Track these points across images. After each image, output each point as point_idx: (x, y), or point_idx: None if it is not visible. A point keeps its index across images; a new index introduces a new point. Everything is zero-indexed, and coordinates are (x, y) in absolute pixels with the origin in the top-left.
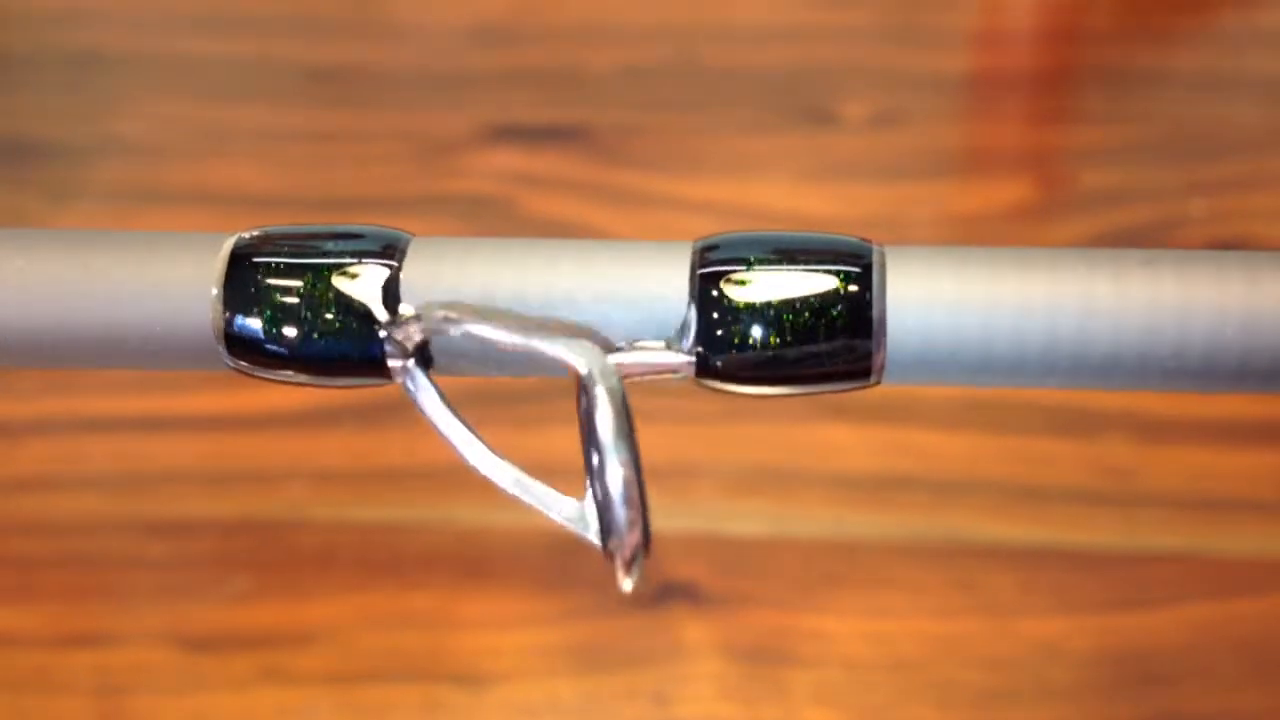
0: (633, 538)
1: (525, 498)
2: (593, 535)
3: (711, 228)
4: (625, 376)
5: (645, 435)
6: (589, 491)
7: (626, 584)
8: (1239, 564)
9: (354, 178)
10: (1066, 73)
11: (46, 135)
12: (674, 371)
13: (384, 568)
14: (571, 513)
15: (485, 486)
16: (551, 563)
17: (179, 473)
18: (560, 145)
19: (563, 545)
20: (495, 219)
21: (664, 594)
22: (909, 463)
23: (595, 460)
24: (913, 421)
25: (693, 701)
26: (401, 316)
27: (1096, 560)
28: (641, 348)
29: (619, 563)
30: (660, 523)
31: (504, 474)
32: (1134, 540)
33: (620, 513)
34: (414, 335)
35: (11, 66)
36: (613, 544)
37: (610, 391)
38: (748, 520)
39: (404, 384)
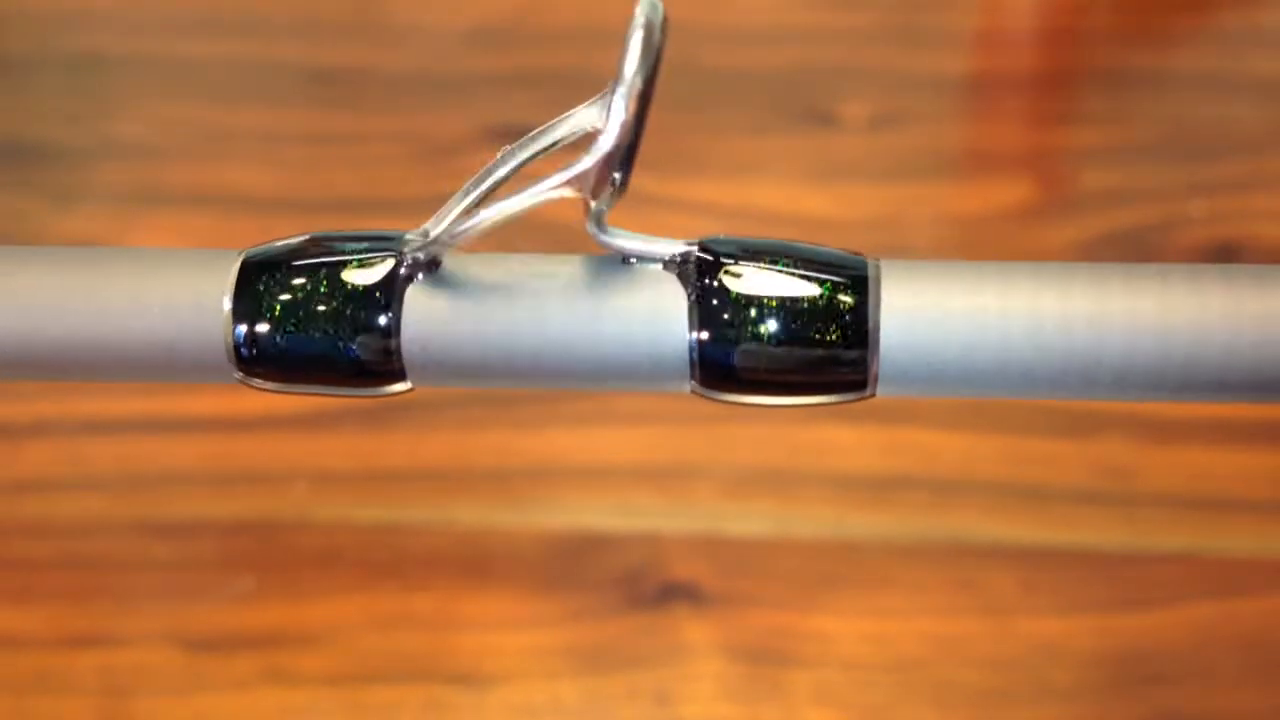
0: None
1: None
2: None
3: (712, 228)
4: (628, 258)
5: (646, 435)
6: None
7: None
8: (1240, 564)
9: (355, 179)
10: (1067, 73)
11: (47, 137)
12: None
13: (386, 568)
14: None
15: (488, 488)
16: (553, 564)
17: (181, 474)
18: (561, 145)
19: (564, 546)
20: None
21: (665, 594)
22: (910, 463)
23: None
24: (913, 422)
25: (694, 701)
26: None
27: (1097, 560)
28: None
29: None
30: (661, 523)
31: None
32: (1135, 540)
33: (611, 134)
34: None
35: (12, 69)
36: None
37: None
38: (749, 520)
39: (414, 268)
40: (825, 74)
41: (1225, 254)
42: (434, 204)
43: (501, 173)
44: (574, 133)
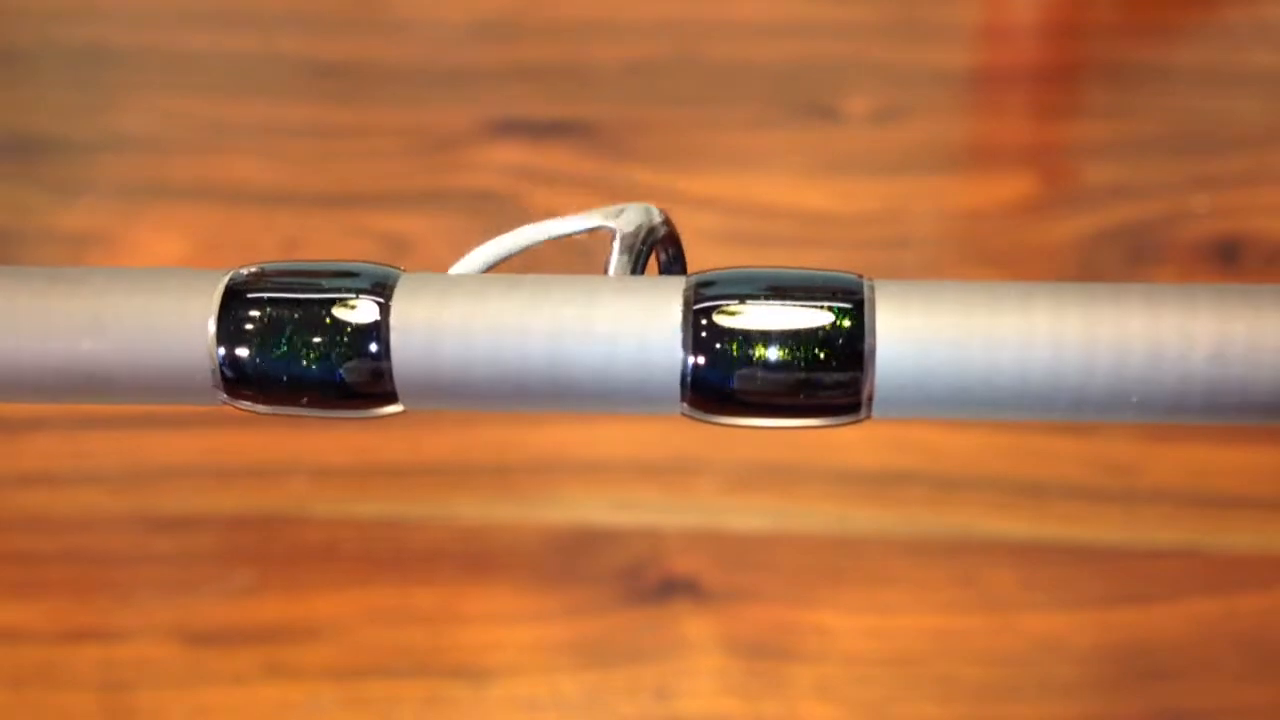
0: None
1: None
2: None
3: (714, 223)
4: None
5: (647, 430)
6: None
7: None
8: (1240, 559)
9: (358, 173)
10: (1069, 68)
11: (51, 130)
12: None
13: (386, 563)
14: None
15: (488, 483)
16: (553, 559)
17: (182, 468)
18: (563, 140)
19: (565, 541)
20: (498, 213)
21: (666, 589)
22: (911, 459)
23: None
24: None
25: (694, 696)
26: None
27: (1098, 556)
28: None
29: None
30: (661, 518)
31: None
32: (1135, 536)
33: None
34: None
35: (17, 61)
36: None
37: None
38: (750, 515)
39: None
40: (827, 68)
41: (1228, 249)
42: (437, 197)
43: (511, 245)
44: (587, 229)
